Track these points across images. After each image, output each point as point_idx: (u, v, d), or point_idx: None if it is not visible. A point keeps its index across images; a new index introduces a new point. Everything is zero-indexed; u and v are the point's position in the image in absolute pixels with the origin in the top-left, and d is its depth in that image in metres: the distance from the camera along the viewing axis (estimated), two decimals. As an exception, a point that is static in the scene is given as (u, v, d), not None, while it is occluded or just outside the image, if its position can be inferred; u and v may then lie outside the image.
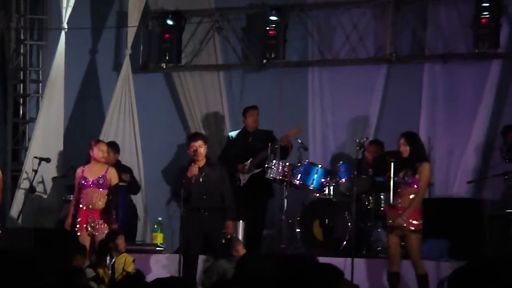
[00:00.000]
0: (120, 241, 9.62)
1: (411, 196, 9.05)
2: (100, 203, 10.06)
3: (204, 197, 9.73)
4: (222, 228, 9.90)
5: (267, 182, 11.04)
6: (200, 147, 9.77)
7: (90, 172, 10.15)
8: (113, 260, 9.53)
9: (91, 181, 10.08)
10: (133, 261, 9.54)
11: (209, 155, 10.24)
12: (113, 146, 11.39)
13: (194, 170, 9.76)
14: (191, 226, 9.81)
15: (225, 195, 9.91)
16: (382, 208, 10.28)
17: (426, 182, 9.20)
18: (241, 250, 9.44)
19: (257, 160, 11.15)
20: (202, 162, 9.88)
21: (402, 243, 9.22)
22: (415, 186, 9.06)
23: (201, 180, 9.78)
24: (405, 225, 8.99)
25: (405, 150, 9.16)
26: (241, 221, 10.73)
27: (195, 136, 10.07)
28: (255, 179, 11.13)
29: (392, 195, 9.59)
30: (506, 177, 10.12)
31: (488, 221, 10.35)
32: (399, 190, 9.17)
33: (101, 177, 10.09)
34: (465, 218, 10.30)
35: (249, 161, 11.13)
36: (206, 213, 9.73)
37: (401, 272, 9.33)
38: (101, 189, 10.08)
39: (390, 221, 9.11)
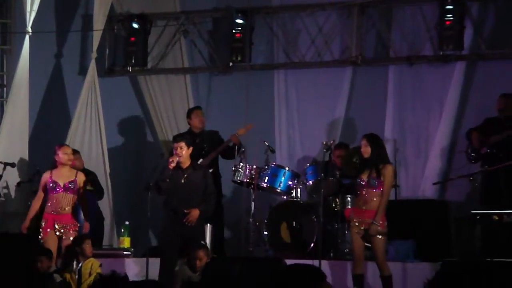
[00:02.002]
0: (87, 246, 9.56)
1: (375, 199, 9.09)
2: (68, 208, 10.01)
3: (184, 200, 9.70)
4: (200, 233, 9.86)
5: (217, 182, 11.02)
6: (181, 148, 9.75)
7: (60, 177, 10.07)
8: (80, 265, 9.47)
9: (62, 185, 10.02)
10: (100, 265, 9.49)
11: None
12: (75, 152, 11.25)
13: (174, 158, 9.73)
14: (169, 228, 9.78)
15: (206, 195, 9.85)
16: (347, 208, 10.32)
17: (390, 184, 9.25)
18: (204, 260, 9.29)
19: (208, 160, 11.14)
20: (186, 164, 9.82)
21: (367, 245, 9.26)
22: (381, 189, 9.10)
23: (182, 181, 9.75)
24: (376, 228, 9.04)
25: (366, 151, 9.20)
26: (208, 224, 10.71)
27: (177, 137, 10.09)
28: None
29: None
30: (471, 178, 10.20)
31: (454, 222, 10.42)
32: (361, 192, 9.16)
33: (72, 181, 10.04)
34: (431, 220, 10.36)
35: (199, 162, 11.07)
36: (183, 217, 9.70)
37: (366, 274, 9.36)
38: (71, 194, 10.02)
39: (356, 223, 9.12)
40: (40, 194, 10.15)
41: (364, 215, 9.09)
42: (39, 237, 9.97)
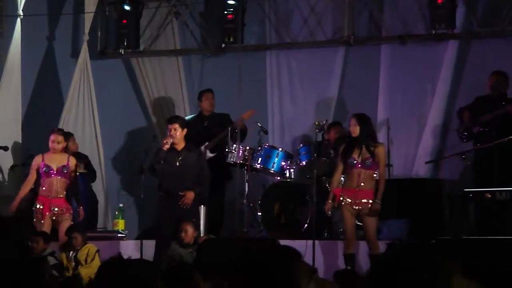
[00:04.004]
0: (74, 240, 9.52)
1: (370, 179, 9.15)
2: (62, 192, 10.01)
3: (179, 182, 9.74)
4: (194, 214, 9.90)
5: (224, 166, 11.04)
6: (175, 130, 9.78)
7: (53, 161, 10.08)
8: (76, 252, 9.49)
9: (55, 170, 10.02)
10: (97, 251, 9.50)
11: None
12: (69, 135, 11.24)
13: (168, 139, 9.77)
14: (164, 210, 9.82)
15: (201, 177, 9.91)
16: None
17: (385, 164, 9.32)
18: (190, 232, 9.38)
19: (213, 144, 11.13)
20: (180, 145, 9.86)
21: (358, 223, 9.33)
22: (376, 169, 9.17)
23: (177, 164, 9.78)
24: (369, 206, 9.09)
25: (355, 130, 9.24)
26: (202, 205, 10.73)
27: (171, 119, 10.14)
28: (212, 163, 11.09)
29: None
30: (464, 156, 10.21)
31: (447, 200, 10.45)
32: (354, 172, 9.19)
33: (64, 166, 10.05)
34: (424, 198, 10.38)
35: (204, 146, 11.08)
36: (177, 198, 9.74)
37: (358, 254, 9.40)
38: (64, 178, 10.03)
39: (349, 203, 9.15)
40: (32, 177, 10.14)
41: (358, 195, 9.13)
42: (33, 219, 9.99)
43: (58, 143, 10.09)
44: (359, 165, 9.18)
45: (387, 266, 2.95)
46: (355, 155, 9.20)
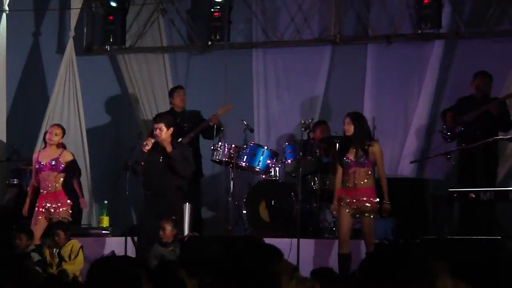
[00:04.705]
0: (56, 238, 9.49)
1: (366, 177, 9.13)
2: (56, 186, 9.93)
3: (162, 179, 9.70)
4: (179, 212, 9.86)
5: (197, 162, 11.00)
6: (161, 130, 9.75)
7: (44, 155, 10.04)
8: (60, 248, 9.46)
9: (45, 164, 9.96)
10: (81, 247, 9.46)
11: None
12: None
13: (148, 141, 9.75)
14: (147, 208, 9.78)
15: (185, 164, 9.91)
16: (326, 188, 10.36)
17: (383, 162, 9.30)
18: (168, 230, 9.34)
19: (186, 140, 11.10)
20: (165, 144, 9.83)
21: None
22: (370, 167, 9.15)
23: (161, 161, 9.76)
24: (368, 204, 9.10)
25: (349, 129, 9.23)
26: (187, 203, 10.71)
27: (157, 118, 10.10)
28: None
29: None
30: (449, 156, 10.22)
31: (432, 200, 10.48)
32: (349, 171, 9.19)
33: (53, 159, 9.97)
34: (409, 198, 10.41)
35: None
36: (161, 196, 9.71)
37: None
38: (55, 172, 9.95)
39: (348, 202, 9.13)
40: (33, 178, 10.12)
41: (357, 194, 9.11)
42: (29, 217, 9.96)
43: (56, 135, 10.02)
44: (353, 164, 9.16)
45: (375, 265, 2.96)
46: (350, 154, 9.19)
